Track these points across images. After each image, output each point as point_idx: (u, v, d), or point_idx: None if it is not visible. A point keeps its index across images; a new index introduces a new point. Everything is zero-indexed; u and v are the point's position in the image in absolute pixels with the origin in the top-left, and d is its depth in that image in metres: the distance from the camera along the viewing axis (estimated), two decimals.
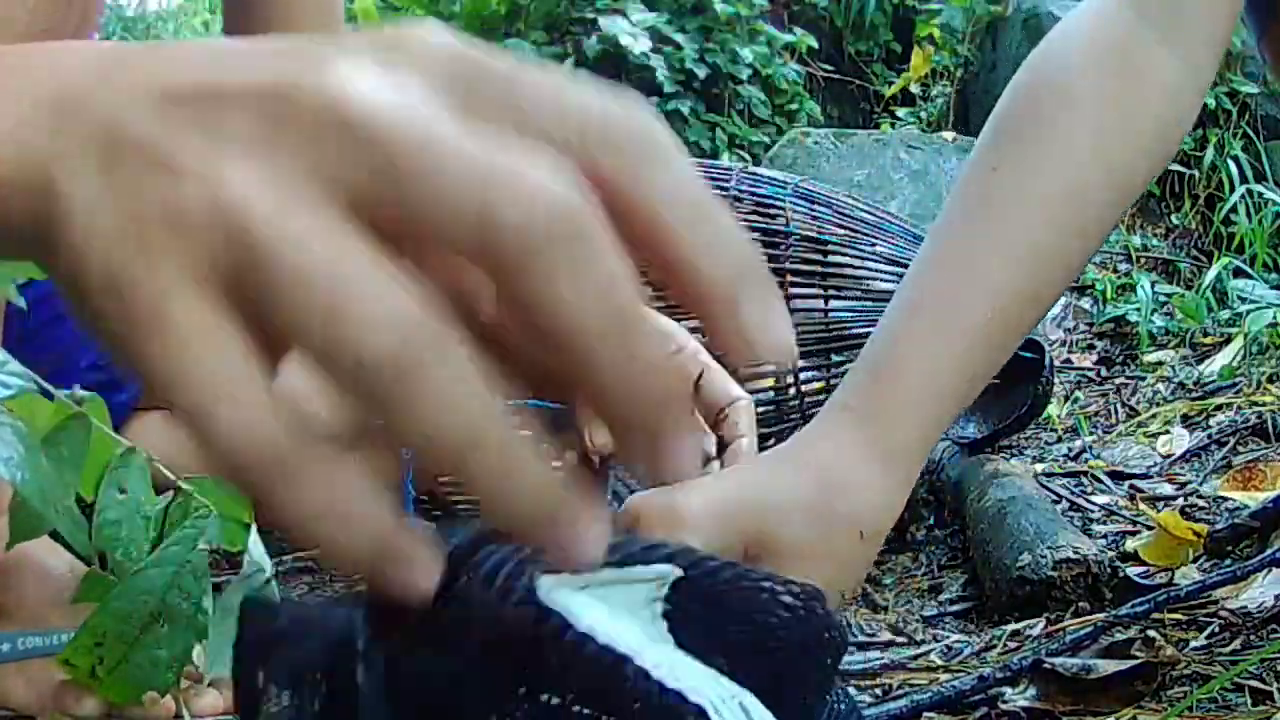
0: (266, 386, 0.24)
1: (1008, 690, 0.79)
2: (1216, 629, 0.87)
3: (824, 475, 0.57)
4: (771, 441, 1.30)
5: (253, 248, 0.23)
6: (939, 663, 0.94)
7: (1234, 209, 2.67)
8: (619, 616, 0.29)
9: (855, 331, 1.31)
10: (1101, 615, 0.91)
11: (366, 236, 0.23)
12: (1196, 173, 2.86)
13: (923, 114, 3.43)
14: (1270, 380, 1.77)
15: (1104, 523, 1.31)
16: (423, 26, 0.26)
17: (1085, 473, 1.52)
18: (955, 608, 1.12)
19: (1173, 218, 2.91)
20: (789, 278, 1.27)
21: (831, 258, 1.29)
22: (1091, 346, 2.40)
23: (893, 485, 0.59)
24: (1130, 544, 1.18)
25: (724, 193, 1.30)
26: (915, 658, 0.96)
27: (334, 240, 0.23)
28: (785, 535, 0.55)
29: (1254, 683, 0.75)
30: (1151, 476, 1.50)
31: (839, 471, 0.58)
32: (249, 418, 0.23)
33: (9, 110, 0.26)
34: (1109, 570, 1.01)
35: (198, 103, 0.24)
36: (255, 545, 0.71)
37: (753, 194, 1.31)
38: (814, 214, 1.30)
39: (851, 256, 1.29)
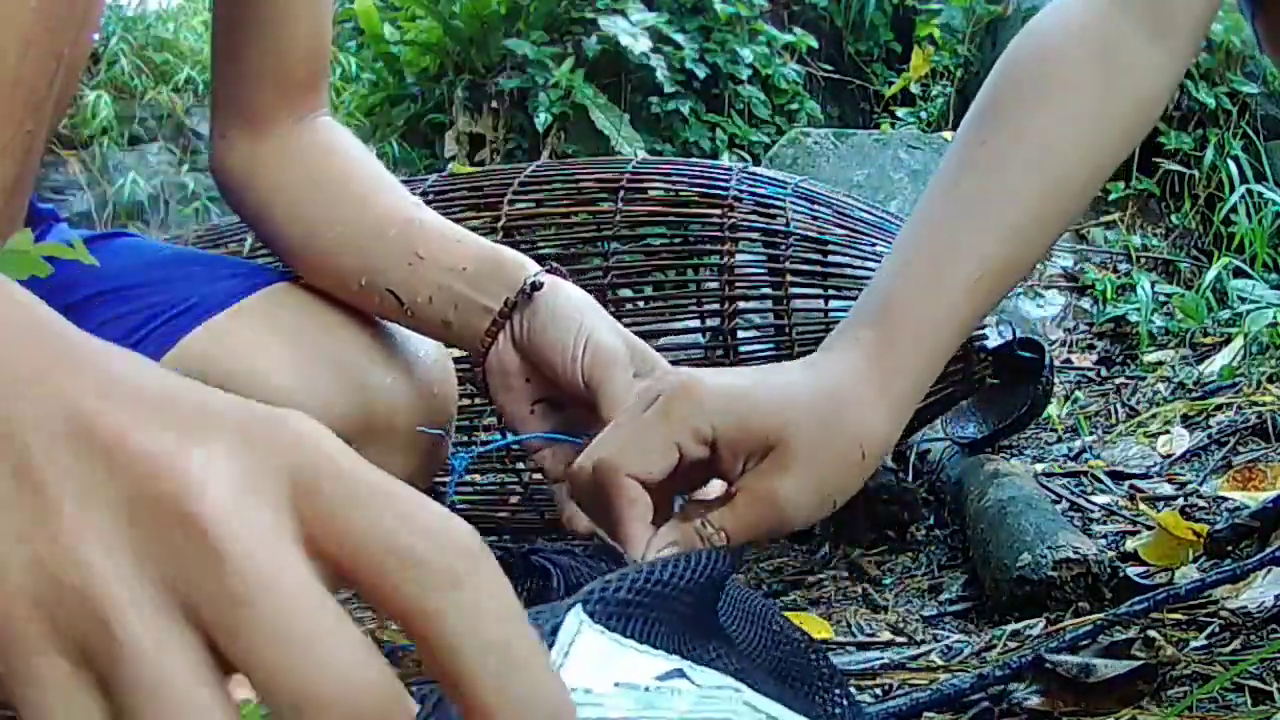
0: None
1: (1008, 689, 0.79)
2: (1216, 629, 0.87)
3: (837, 391, 0.63)
4: None
5: (111, 646, 0.25)
6: (939, 663, 0.94)
7: (1234, 209, 2.66)
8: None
9: None
10: (1101, 615, 0.91)
11: (203, 665, 0.26)
12: (1196, 173, 2.86)
13: (923, 114, 3.43)
14: (1270, 380, 1.77)
15: (1104, 523, 1.31)
16: (294, 419, 0.28)
17: (1085, 473, 1.52)
18: (955, 608, 1.12)
19: (1173, 218, 2.91)
20: (789, 278, 1.27)
21: (831, 258, 1.29)
22: (1091, 346, 2.40)
23: (893, 415, 0.64)
24: (1130, 544, 1.18)
25: (724, 193, 1.30)
26: (915, 658, 0.96)
27: (179, 665, 0.25)
28: (796, 436, 0.60)
29: (1254, 683, 0.75)
30: (1151, 476, 1.50)
31: (850, 390, 0.63)
32: None
33: None
34: (1109, 570, 1.01)
35: (95, 455, 0.26)
36: None
37: (753, 194, 1.31)
38: (814, 214, 1.30)
39: (851, 256, 1.29)
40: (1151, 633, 0.85)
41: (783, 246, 1.27)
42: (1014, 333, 1.65)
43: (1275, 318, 1.95)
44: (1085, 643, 0.84)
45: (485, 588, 0.27)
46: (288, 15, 0.79)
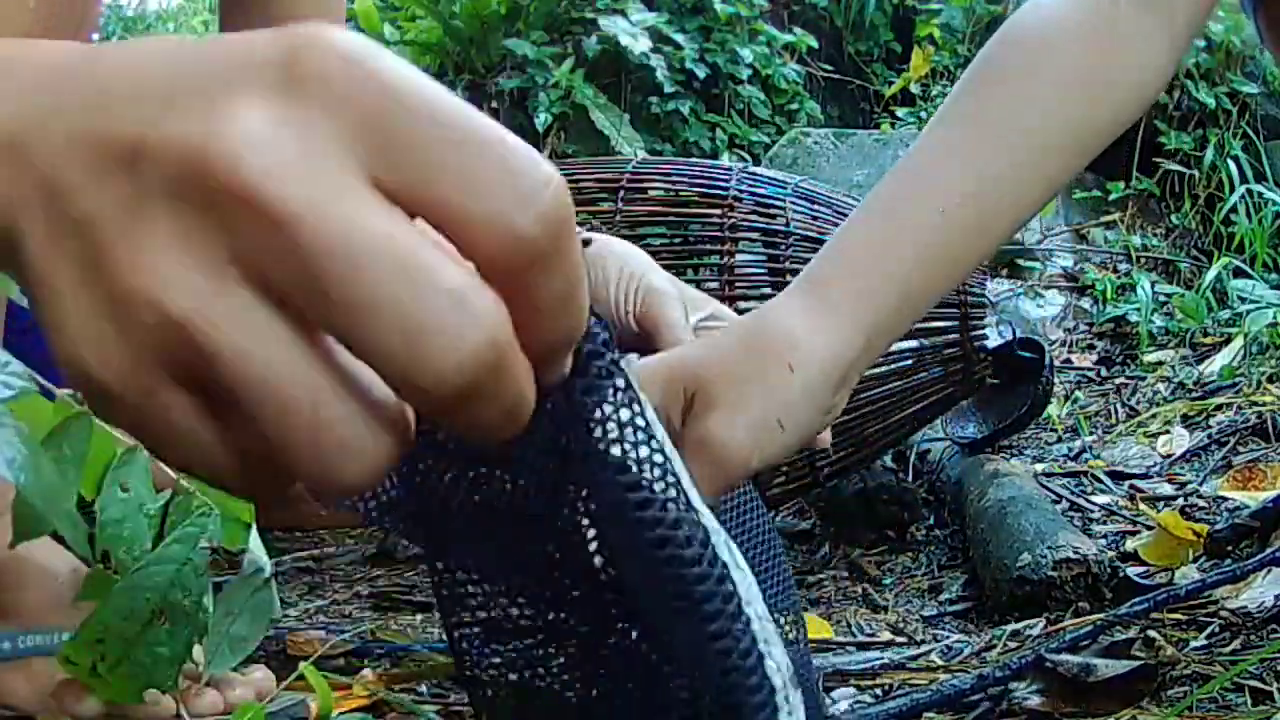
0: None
1: (1008, 689, 0.79)
2: (1216, 629, 0.87)
3: (757, 322, 0.61)
4: None
5: (202, 354, 0.24)
6: (939, 663, 0.94)
7: (1234, 209, 2.66)
8: None
9: None
10: (1101, 615, 0.91)
11: (290, 322, 0.24)
12: (1196, 173, 2.86)
13: (923, 114, 3.43)
14: (1270, 380, 1.77)
15: (1104, 523, 1.31)
16: (336, 45, 0.25)
17: (1085, 473, 1.52)
18: (955, 608, 1.12)
19: (1173, 218, 2.90)
20: (789, 278, 1.27)
21: None
22: (1091, 346, 2.40)
23: (828, 324, 0.60)
24: (1130, 544, 1.18)
25: (724, 193, 1.30)
26: (915, 658, 0.96)
27: (264, 341, 0.24)
28: (711, 371, 0.57)
29: (1254, 683, 0.75)
30: (1151, 476, 1.50)
31: (771, 317, 0.61)
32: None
33: None
34: (1109, 570, 1.01)
35: (124, 170, 0.25)
36: (255, 545, 0.71)
37: (753, 194, 1.31)
38: (814, 214, 1.30)
39: None
40: (1151, 633, 0.85)
41: (783, 246, 1.27)
42: (1014, 333, 1.65)
43: (1275, 318, 1.95)
44: (1085, 643, 0.84)
45: (573, 271, 0.26)
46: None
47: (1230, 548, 1.08)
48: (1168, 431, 1.66)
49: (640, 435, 0.30)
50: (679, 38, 3.34)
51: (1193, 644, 0.85)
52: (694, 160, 1.46)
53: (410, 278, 0.23)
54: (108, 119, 0.25)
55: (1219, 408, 1.71)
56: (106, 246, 0.24)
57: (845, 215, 1.32)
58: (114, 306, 0.24)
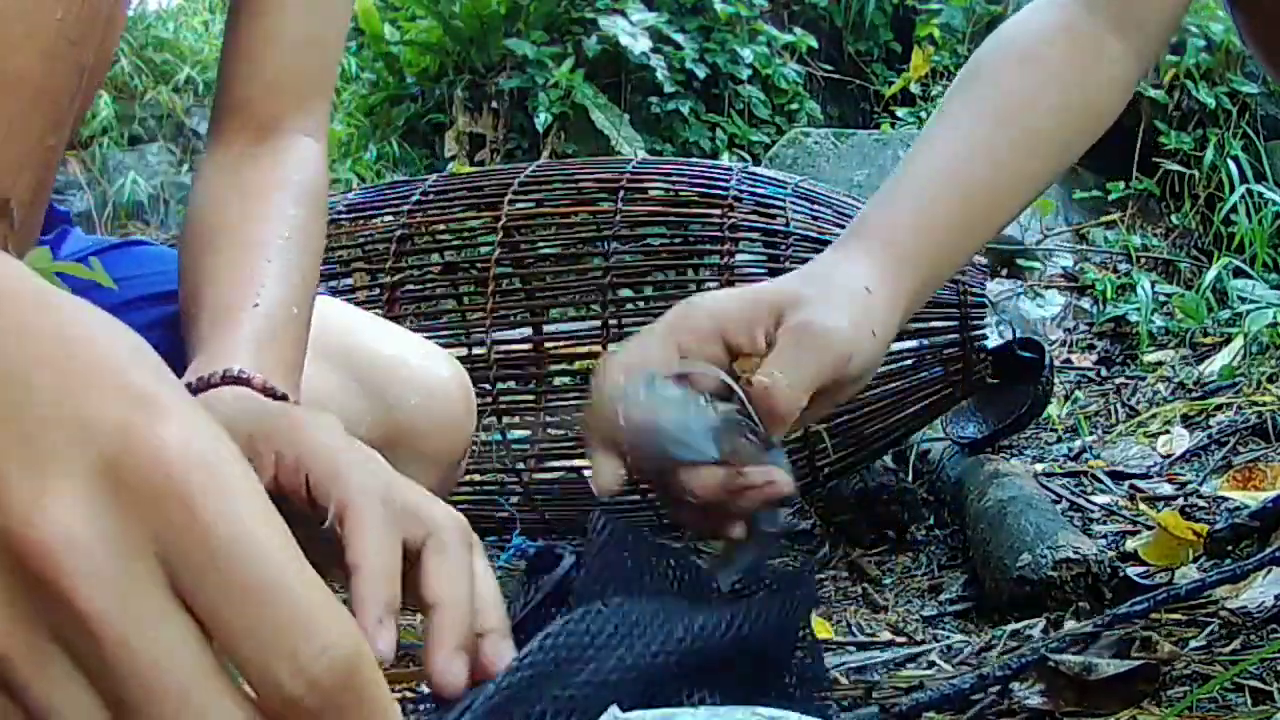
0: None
1: (1009, 689, 0.79)
2: (1216, 629, 0.87)
3: (820, 267, 0.65)
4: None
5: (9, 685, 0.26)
6: (939, 663, 0.94)
7: (1234, 209, 2.66)
8: None
9: None
10: (1101, 615, 0.91)
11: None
12: (1196, 173, 2.86)
13: (923, 114, 3.43)
14: (1270, 380, 1.77)
15: (1104, 523, 1.31)
16: (163, 455, 0.26)
17: (1085, 473, 1.52)
18: (955, 608, 1.12)
19: (1173, 218, 2.90)
20: None
21: None
22: (1091, 346, 2.40)
23: (887, 264, 0.65)
24: (1130, 544, 1.18)
25: (724, 193, 1.30)
26: (915, 658, 0.96)
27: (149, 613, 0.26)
28: (806, 292, 0.61)
29: (1254, 683, 0.75)
30: (1151, 476, 1.50)
31: (830, 260, 0.66)
32: None
33: None
34: (1109, 570, 1.01)
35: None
36: None
37: (753, 194, 1.31)
38: (814, 214, 1.30)
39: None
40: (1151, 633, 0.85)
41: (783, 246, 1.27)
42: (1014, 333, 1.65)
43: (1275, 318, 1.95)
44: (1085, 643, 0.84)
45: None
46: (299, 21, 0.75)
47: (1230, 547, 1.07)
48: (1168, 431, 1.66)
49: None
50: (679, 38, 3.34)
51: (1193, 644, 0.85)
52: (694, 160, 1.46)
53: (186, 702, 0.26)
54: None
55: (1219, 408, 1.71)
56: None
57: (845, 215, 1.32)
58: None
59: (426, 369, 0.83)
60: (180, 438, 0.26)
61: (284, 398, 0.58)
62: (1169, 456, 1.56)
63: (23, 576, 0.26)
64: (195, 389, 0.57)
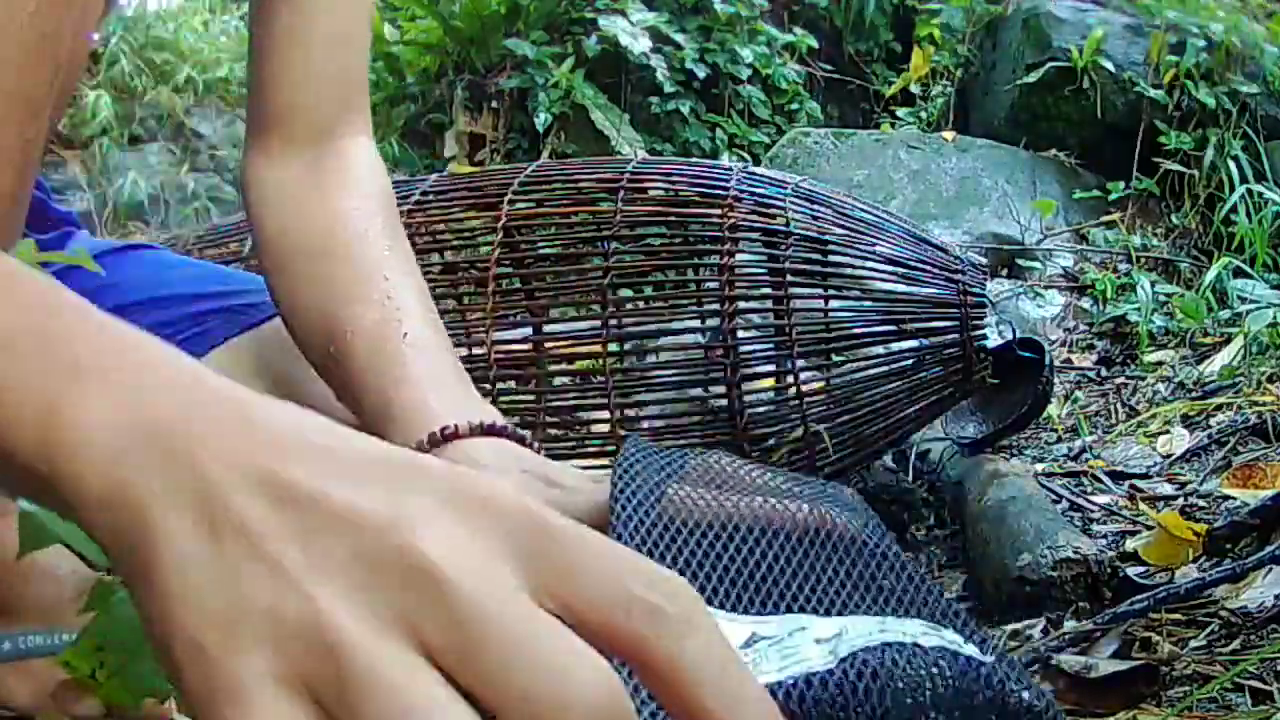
0: None
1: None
2: (1216, 629, 0.87)
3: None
4: (770, 441, 1.30)
5: (341, 668, 0.25)
6: None
7: (1234, 209, 2.66)
8: None
9: (855, 331, 1.31)
10: (1101, 615, 0.91)
11: (437, 676, 0.26)
12: (1196, 173, 2.86)
13: (923, 114, 3.43)
14: (1270, 380, 1.77)
15: (1104, 523, 1.31)
16: (499, 485, 0.28)
17: (1085, 473, 1.52)
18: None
19: (1173, 218, 2.90)
20: (789, 278, 1.27)
21: (831, 258, 1.29)
22: (1091, 346, 2.40)
23: None
24: (1130, 544, 1.18)
25: (724, 193, 1.30)
26: None
27: (414, 676, 0.25)
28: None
29: (1254, 683, 0.75)
30: (1151, 476, 1.50)
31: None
32: None
33: (100, 419, 0.28)
34: (1109, 570, 1.01)
35: (300, 510, 0.27)
36: None
37: (753, 194, 1.31)
38: (814, 214, 1.30)
39: (851, 256, 1.29)
40: (1151, 633, 0.85)
41: (783, 246, 1.27)
42: (1014, 333, 1.65)
43: (1275, 318, 1.95)
44: (1085, 643, 0.84)
45: (710, 630, 0.28)
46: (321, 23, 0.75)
47: (1230, 545, 1.07)
48: (1168, 431, 1.66)
49: None
50: (679, 38, 3.34)
51: (1193, 644, 0.85)
52: (694, 160, 1.46)
53: (549, 666, 0.26)
54: (285, 461, 0.28)
55: (1219, 408, 1.70)
56: (270, 557, 0.26)
57: (845, 215, 1.32)
58: (266, 612, 0.26)
59: None
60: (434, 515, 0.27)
61: (532, 445, 0.62)
62: (1169, 456, 1.56)
63: (375, 564, 0.26)
64: (443, 439, 0.61)
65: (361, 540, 0.26)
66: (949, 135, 3.09)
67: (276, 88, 0.74)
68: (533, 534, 0.28)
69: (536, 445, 0.63)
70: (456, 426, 0.61)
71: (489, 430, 0.62)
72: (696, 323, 1.43)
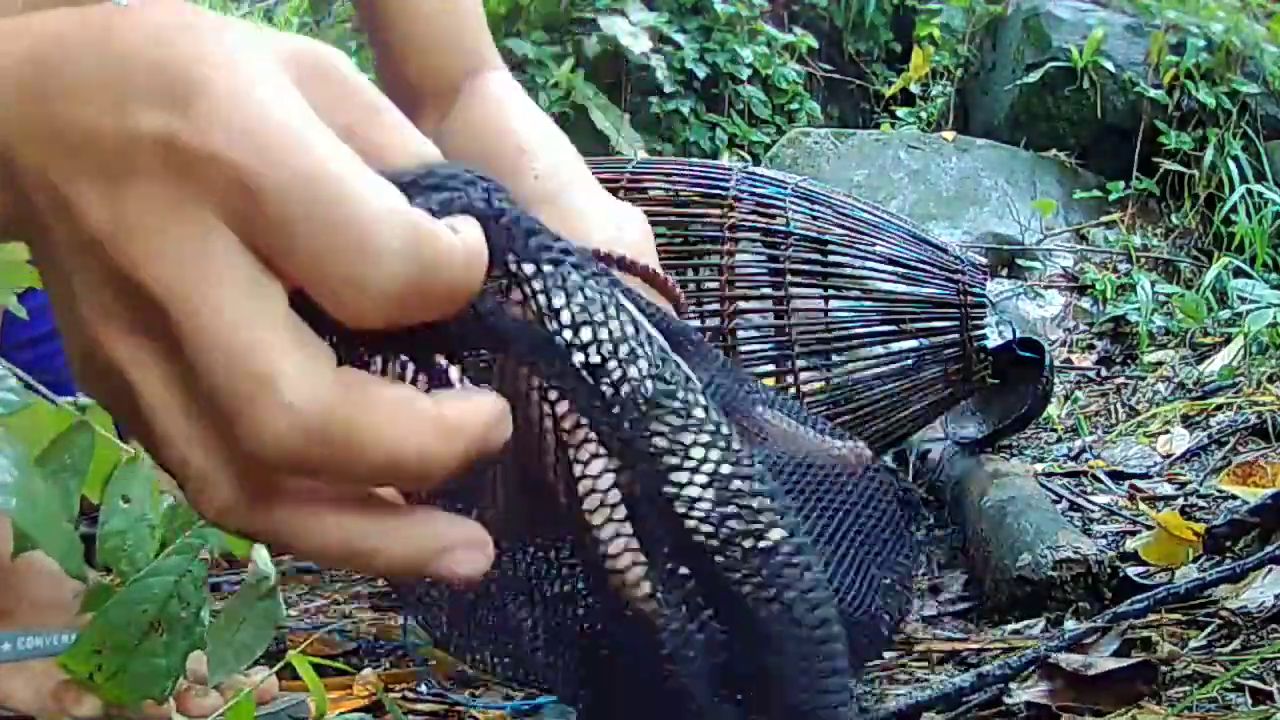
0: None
1: (1008, 689, 0.79)
2: (1216, 629, 0.87)
3: None
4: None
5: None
6: (939, 662, 0.95)
7: (1234, 209, 2.66)
8: None
9: (855, 331, 1.31)
10: (1101, 615, 0.91)
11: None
12: (1196, 173, 2.86)
13: (923, 114, 3.43)
14: (1270, 380, 1.77)
15: (1104, 523, 1.31)
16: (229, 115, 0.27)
17: (1085, 473, 1.52)
18: (955, 608, 1.12)
19: (1173, 218, 2.90)
20: (789, 278, 1.27)
21: (831, 258, 1.29)
22: (1091, 346, 2.40)
23: None
24: (1130, 544, 1.18)
25: (724, 193, 1.30)
26: (915, 658, 0.96)
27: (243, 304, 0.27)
28: None
29: (1254, 683, 0.75)
30: (1151, 476, 1.50)
31: None
32: None
33: None
34: (1109, 570, 1.01)
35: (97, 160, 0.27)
36: (260, 552, 0.71)
37: (753, 194, 1.31)
38: (814, 214, 1.30)
39: (851, 256, 1.29)
40: (1151, 633, 0.85)
41: (783, 246, 1.27)
42: (1014, 333, 1.65)
43: (1275, 318, 1.95)
44: (1085, 642, 0.84)
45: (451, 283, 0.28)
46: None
47: (1229, 544, 1.07)
48: (1168, 431, 1.66)
49: (577, 315, 0.30)
50: (679, 38, 3.34)
51: (1193, 644, 0.85)
52: (694, 160, 1.46)
53: (250, 355, 0.27)
54: (83, 112, 0.28)
55: (1219, 408, 1.71)
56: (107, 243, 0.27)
57: (845, 215, 1.32)
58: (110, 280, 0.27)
59: None
60: (224, 121, 0.27)
61: None
62: (1169, 456, 1.56)
63: (115, 280, 0.27)
64: None
65: (92, 252, 0.27)
66: (949, 135, 3.09)
67: (405, 60, 0.78)
68: (248, 208, 0.27)
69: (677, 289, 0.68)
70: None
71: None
72: (696, 322, 1.43)
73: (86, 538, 0.59)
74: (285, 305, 0.27)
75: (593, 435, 0.33)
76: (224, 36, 0.28)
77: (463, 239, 0.28)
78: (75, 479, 0.59)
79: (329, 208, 0.26)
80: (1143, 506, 1.34)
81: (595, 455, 0.34)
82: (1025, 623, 1.00)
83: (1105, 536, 1.25)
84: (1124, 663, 0.78)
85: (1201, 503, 1.32)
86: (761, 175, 1.36)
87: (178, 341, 0.27)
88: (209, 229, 0.27)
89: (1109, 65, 2.97)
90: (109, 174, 0.27)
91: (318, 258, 0.26)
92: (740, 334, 1.30)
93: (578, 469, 0.34)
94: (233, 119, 0.26)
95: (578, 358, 0.30)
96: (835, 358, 1.33)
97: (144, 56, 0.27)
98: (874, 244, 1.29)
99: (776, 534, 0.32)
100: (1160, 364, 2.15)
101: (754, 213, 1.30)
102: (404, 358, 0.31)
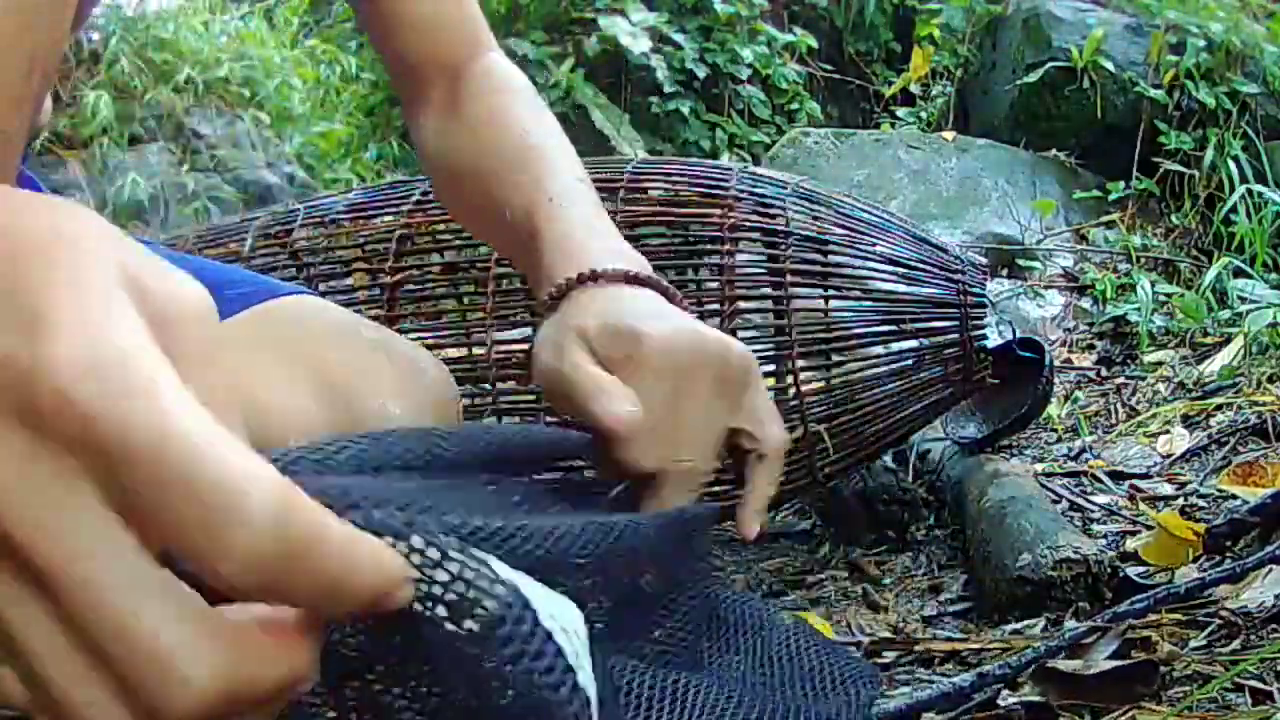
0: None
1: (1008, 689, 0.79)
2: (1216, 629, 0.87)
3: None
4: None
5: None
6: (939, 662, 0.95)
7: (1234, 209, 2.66)
8: None
9: (855, 331, 1.31)
10: (1101, 615, 0.91)
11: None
12: (1196, 173, 2.86)
13: (923, 114, 3.43)
14: (1270, 380, 1.77)
15: (1104, 523, 1.31)
16: (71, 386, 0.26)
17: (1085, 473, 1.52)
18: (955, 608, 1.12)
19: (1173, 218, 2.90)
20: (789, 278, 1.27)
21: (831, 258, 1.29)
22: (1091, 346, 2.40)
23: None
24: (1130, 544, 1.18)
25: (724, 193, 1.30)
26: (915, 657, 0.96)
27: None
28: None
29: (1254, 683, 0.75)
30: (1151, 476, 1.50)
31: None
32: None
33: None
34: (1109, 570, 1.01)
35: None
36: None
37: (753, 194, 1.31)
38: (814, 214, 1.30)
39: (851, 256, 1.29)
40: (1151, 633, 0.85)
41: (783, 246, 1.27)
42: (1014, 333, 1.65)
43: (1275, 318, 1.95)
44: (1085, 642, 0.84)
45: (319, 577, 0.28)
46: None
47: (1229, 544, 1.07)
48: (1168, 431, 1.66)
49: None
50: (679, 38, 3.34)
51: (1193, 644, 0.85)
52: (694, 160, 1.46)
53: (120, 611, 0.26)
54: None
55: (1219, 408, 1.70)
56: None
57: (845, 215, 1.32)
58: None
59: (408, 370, 0.82)
60: (67, 356, 0.25)
61: (676, 299, 0.67)
62: (1169, 456, 1.56)
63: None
64: (591, 278, 0.65)
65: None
66: (949, 135, 3.09)
67: (403, 41, 0.82)
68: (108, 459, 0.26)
69: (681, 299, 0.67)
70: (604, 270, 0.65)
71: (633, 279, 0.66)
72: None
73: None
74: (153, 565, 0.27)
75: None
76: (67, 254, 0.27)
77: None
78: None
79: (186, 468, 0.26)
80: (1143, 506, 1.34)
81: None
82: (1025, 622, 1.00)
83: (1105, 536, 1.25)
84: (1124, 663, 0.78)
85: (1201, 503, 1.32)
86: (761, 175, 1.36)
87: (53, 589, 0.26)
88: (69, 484, 0.26)
89: (1109, 65, 2.97)
90: None
91: (178, 525, 0.26)
92: (740, 334, 1.30)
93: None
94: (78, 355, 0.25)
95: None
96: (835, 358, 1.32)
97: None
98: (874, 244, 1.29)
99: None
100: (1160, 364, 2.16)
101: (754, 213, 1.30)
102: None
